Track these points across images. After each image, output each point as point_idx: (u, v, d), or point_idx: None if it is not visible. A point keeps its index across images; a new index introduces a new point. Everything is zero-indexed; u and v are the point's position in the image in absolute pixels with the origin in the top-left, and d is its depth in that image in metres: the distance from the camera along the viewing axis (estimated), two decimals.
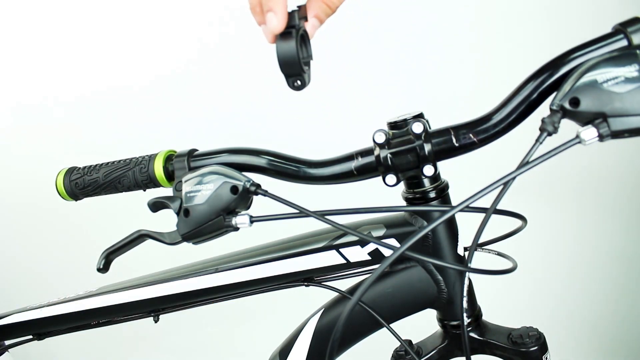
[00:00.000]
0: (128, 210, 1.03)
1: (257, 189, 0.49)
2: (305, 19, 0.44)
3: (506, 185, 0.40)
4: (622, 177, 1.18)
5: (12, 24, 1.35)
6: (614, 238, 1.22)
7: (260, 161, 0.52)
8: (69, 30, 1.32)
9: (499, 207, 0.44)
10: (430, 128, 0.49)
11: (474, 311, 0.56)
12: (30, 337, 0.73)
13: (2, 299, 1.46)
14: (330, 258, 0.56)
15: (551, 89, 0.43)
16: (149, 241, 0.54)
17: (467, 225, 0.55)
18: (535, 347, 0.53)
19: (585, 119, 0.38)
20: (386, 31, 1.18)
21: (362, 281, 0.58)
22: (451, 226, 0.54)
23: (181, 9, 1.27)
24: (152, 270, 0.69)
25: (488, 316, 0.57)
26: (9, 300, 1.44)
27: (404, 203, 0.54)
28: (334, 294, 0.59)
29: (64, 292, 0.73)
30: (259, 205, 0.52)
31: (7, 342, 0.77)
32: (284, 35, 0.43)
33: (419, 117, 0.50)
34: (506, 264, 0.51)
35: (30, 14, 1.33)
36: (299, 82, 0.44)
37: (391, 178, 0.48)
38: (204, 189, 0.48)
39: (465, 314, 0.54)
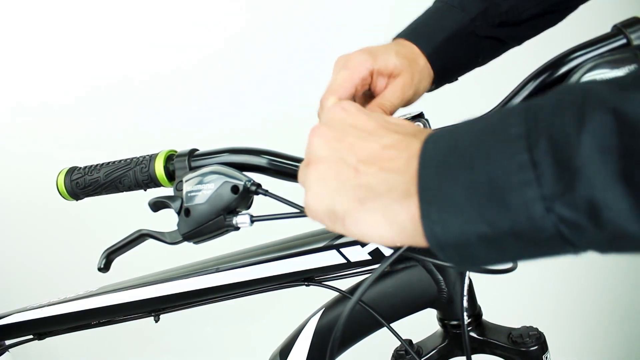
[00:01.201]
0: (129, 210, 1.03)
1: (258, 189, 0.49)
2: None
3: None
4: None
5: (11, 23, 1.35)
6: None
7: (261, 161, 0.52)
8: (69, 30, 1.32)
9: None
10: (430, 128, 0.49)
11: (474, 310, 0.56)
12: (31, 336, 0.73)
13: (2, 299, 1.46)
14: (331, 258, 0.56)
15: (551, 89, 0.43)
16: (150, 241, 0.54)
17: None
18: (536, 347, 0.53)
19: None
20: (386, 31, 1.18)
21: (363, 281, 0.58)
22: None
23: (183, 9, 1.27)
24: (153, 270, 0.69)
25: (488, 315, 0.57)
26: (9, 300, 1.44)
27: None
28: (335, 294, 0.59)
29: (64, 292, 0.73)
30: (260, 204, 0.52)
31: (7, 342, 0.77)
32: None
33: (419, 116, 0.50)
34: (506, 264, 0.51)
35: (30, 13, 1.33)
36: None
37: None
38: (205, 189, 0.48)
39: (465, 314, 0.54)
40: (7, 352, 0.78)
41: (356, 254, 0.55)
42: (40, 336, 0.72)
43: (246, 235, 0.57)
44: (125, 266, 0.69)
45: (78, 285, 0.81)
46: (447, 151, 0.27)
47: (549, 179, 0.23)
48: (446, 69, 0.52)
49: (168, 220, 0.55)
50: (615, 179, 0.21)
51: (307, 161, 0.34)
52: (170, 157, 0.55)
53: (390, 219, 0.29)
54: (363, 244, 0.55)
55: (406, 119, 0.49)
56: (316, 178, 0.32)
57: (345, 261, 0.56)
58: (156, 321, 0.67)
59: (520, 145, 0.24)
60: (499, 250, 0.25)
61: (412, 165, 0.28)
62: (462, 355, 0.56)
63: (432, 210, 0.26)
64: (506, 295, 1.13)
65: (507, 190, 0.24)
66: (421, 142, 0.29)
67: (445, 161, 0.26)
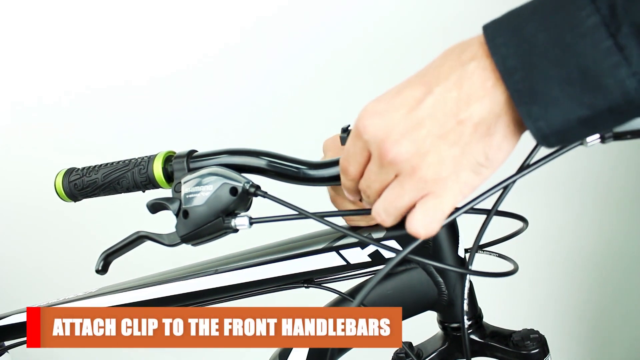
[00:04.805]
0: (127, 211, 1.02)
1: (257, 191, 0.48)
2: None
3: (507, 187, 0.40)
4: (622, 177, 1.17)
5: (10, 24, 1.34)
6: (614, 239, 1.21)
7: (260, 162, 0.52)
8: (66, 31, 1.32)
9: (499, 208, 0.44)
10: None
11: (475, 313, 0.56)
12: None
13: (2, 299, 1.46)
14: (330, 259, 0.56)
15: None
16: (148, 242, 0.54)
17: (467, 227, 0.54)
18: (537, 350, 0.53)
19: None
20: (387, 31, 1.18)
21: (363, 283, 0.58)
22: (452, 228, 0.53)
23: (181, 9, 1.27)
24: (151, 271, 0.68)
25: (489, 318, 0.57)
26: (9, 301, 1.44)
27: None
28: (334, 296, 0.59)
29: (63, 293, 0.73)
30: (259, 206, 0.52)
31: (6, 343, 0.77)
32: None
33: None
34: (507, 266, 0.50)
35: (28, 14, 1.33)
36: None
37: None
38: (203, 190, 0.48)
39: (466, 316, 0.53)
40: (6, 353, 0.78)
41: (356, 255, 0.55)
42: None
43: (246, 237, 0.57)
44: (125, 267, 0.69)
45: (77, 286, 0.81)
46: (525, 56, 0.29)
47: (636, 57, 0.26)
48: None
49: (166, 222, 0.55)
50: None
51: (412, 168, 0.34)
52: (168, 159, 0.55)
53: (509, 137, 0.32)
54: (363, 246, 0.55)
55: None
56: (434, 162, 0.33)
57: (345, 263, 0.56)
58: None
59: (602, 33, 0.27)
60: (594, 127, 0.30)
61: (497, 88, 0.31)
62: (463, 358, 0.56)
63: (533, 111, 0.29)
64: (507, 298, 1.12)
65: (600, 75, 0.27)
66: (485, 60, 0.31)
67: (529, 66, 0.29)
